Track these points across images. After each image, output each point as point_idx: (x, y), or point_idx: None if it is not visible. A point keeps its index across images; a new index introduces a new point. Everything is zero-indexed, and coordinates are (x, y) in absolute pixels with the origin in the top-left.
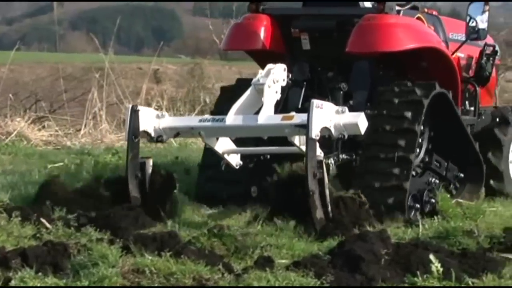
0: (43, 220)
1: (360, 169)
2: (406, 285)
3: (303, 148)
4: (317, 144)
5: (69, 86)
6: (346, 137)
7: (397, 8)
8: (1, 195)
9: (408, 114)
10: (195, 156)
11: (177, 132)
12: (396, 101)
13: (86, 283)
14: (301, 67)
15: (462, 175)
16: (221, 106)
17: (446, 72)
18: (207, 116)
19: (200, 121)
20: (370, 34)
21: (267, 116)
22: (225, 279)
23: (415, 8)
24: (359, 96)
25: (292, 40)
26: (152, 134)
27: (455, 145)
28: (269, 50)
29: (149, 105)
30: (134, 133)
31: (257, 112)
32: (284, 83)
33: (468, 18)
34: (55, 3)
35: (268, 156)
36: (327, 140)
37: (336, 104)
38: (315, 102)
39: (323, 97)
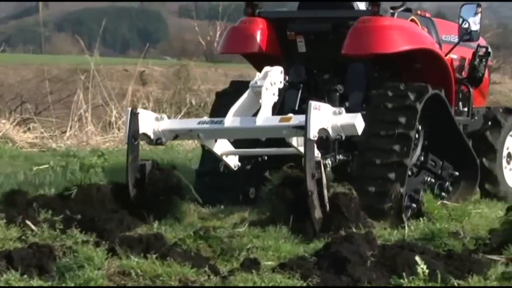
0: (29, 222)
1: (356, 174)
2: (392, 286)
3: (301, 149)
4: (315, 145)
5: (54, 88)
6: (343, 137)
7: (391, 11)
8: None
9: (402, 120)
10: (180, 158)
11: (176, 135)
12: (390, 106)
13: (71, 286)
14: (297, 70)
15: (457, 173)
16: (218, 110)
17: (440, 73)
18: (205, 118)
19: (199, 123)
20: (365, 36)
21: (265, 117)
22: (211, 281)
23: (408, 10)
24: (355, 98)
25: (288, 43)
26: (152, 137)
27: (449, 144)
28: (265, 53)
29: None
30: (134, 135)
31: (255, 114)
32: (281, 85)
33: (460, 20)
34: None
35: (266, 158)
36: (324, 141)
37: (333, 105)
38: (313, 103)
39: (319, 99)
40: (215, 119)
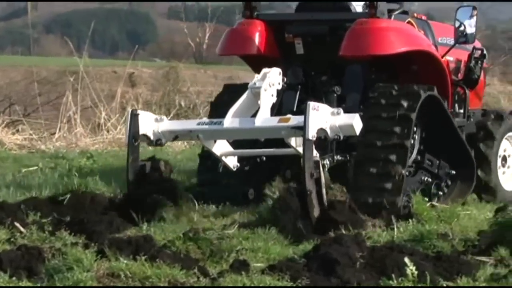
0: (17, 224)
1: (353, 184)
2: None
3: (299, 149)
4: (313, 145)
5: (43, 90)
6: (341, 138)
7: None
8: None
9: (397, 129)
10: (170, 160)
11: (175, 135)
12: (385, 115)
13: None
14: (295, 72)
15: (453, 172)
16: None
17: (436, 75)
18: (205, 119)
19: (199, 124)
20: (363, 38)
21: (264, 118)
22: (200, 282)
23: (405, 13)
24: (352, 99)
25: (286, 45)
26: (152, 138)
27: (446, 144)
28: (264, 55)
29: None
30: (134, 136)
31: (254, 115)
32: (279, 87)
33: (456, 23)
34: (29, 7)
35: (264, 159)
36: (322, 142)
37: (330, 107)
38: (311, 104)
39: (317, 100)
40: (215, 120)
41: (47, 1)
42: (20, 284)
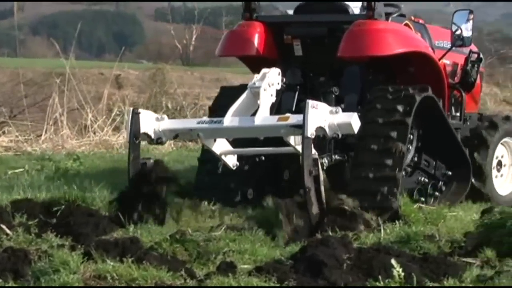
0: (3, 226)
1: (350, 188)
2: None
3: (298, 148)
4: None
5: (29, 92)
6: (340, 136)
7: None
8: None
9: (394, 134)
10: None
11: (176, 134)
12: (381, 121)
13: None
14: (293, 73)
15: (450, 173)
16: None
17: (433, 77)
18: (205, 118)
19: (199, 123)
20: (360, 39)
21: (264, 117)
22: (187, 284)
23: (402, 15)
24: (350, 100)
25: (284, 47)
26: (152, 136)
27: (442, 144)
28: (263, 56)
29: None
30: (135, 135)
31: (253, 115)
32: (278, 87)
33: (453, 26)
34: (15, 8)
35: (263, 158)
36: (320, 141)
37: None
38: (310, 102)
39: (315, 100)
40: (215, 119)
41: (34, 1)
42: (6, 286)
